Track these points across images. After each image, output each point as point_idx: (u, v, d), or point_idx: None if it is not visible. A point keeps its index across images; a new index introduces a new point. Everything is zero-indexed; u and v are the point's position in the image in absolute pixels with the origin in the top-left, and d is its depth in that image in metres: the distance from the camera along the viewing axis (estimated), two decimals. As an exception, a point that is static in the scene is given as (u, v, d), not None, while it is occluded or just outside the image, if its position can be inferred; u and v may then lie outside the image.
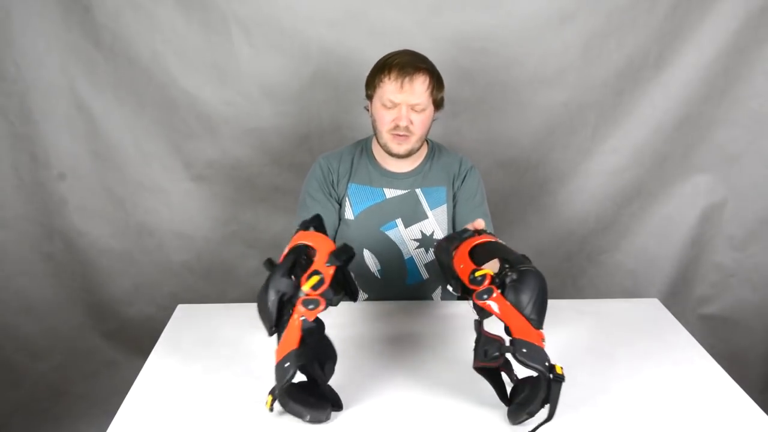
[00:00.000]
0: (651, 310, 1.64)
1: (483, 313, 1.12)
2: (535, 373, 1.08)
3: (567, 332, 1.47)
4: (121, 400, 1.23)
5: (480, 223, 1.28)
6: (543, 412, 1.09)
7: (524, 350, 1.06)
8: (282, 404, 1.12)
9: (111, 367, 2.25)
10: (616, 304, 1.70)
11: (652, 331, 1.51)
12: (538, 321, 1.10)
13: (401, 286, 1.71)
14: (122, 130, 2.11)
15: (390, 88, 1.56)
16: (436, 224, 1.70)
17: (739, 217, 2.25)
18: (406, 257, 1.70)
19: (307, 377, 1.15)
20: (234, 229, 2.25)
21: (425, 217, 1.69)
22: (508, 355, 1.10)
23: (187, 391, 1.26)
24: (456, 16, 2.05)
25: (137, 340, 2.10)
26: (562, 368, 1.08)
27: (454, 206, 1.72)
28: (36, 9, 1.97)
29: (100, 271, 2.22)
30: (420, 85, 1.56)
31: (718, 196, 2.24)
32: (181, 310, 1.61)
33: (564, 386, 1.11)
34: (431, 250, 1.70)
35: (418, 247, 1.70)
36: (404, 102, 1.56)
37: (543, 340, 1.09)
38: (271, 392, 1.12)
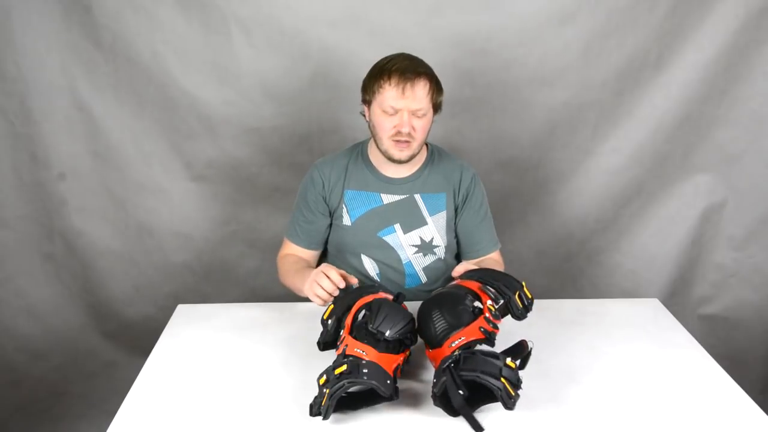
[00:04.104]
0: (651, 310, 1.64)
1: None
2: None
3: (567, 332, 1.47)
4: (121, 400, 1.23)
5: (458, 271, 1.43)
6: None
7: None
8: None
9: (111, 367, 2.25)
10: (616, 304, 1.70)
11: (652, 331, 1.51)
12: (451, 327, 1.20)
13: (399, 289, 1.71)
14: (122, 130, 2.11)
15: (391, 94, 1.52)
16: (435, 230, 1.68)
17: (739, 217, 2.25)
18: (404, 261, 1.69)
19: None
20: (234, 229, 2.25)
21: (424, 223, 1.68)
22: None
23: (187, 391, 1.26)
24: (456, 16, 2.05)
25: (137, 340, 2.09)
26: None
27: (458, 217, 1.71)
28: (36, 9, 1.97)
29: (100, 271, 2.22)
30: (421, 90, 1.53)
31: (718, 196, 2.24)
32: (181, 310, 1.61)
33: (564, 386, 1.11)
34: (429, 254, 1.69)
35: (416, 252, 1.69)
36: (406, 108, 1.53)
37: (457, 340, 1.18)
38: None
